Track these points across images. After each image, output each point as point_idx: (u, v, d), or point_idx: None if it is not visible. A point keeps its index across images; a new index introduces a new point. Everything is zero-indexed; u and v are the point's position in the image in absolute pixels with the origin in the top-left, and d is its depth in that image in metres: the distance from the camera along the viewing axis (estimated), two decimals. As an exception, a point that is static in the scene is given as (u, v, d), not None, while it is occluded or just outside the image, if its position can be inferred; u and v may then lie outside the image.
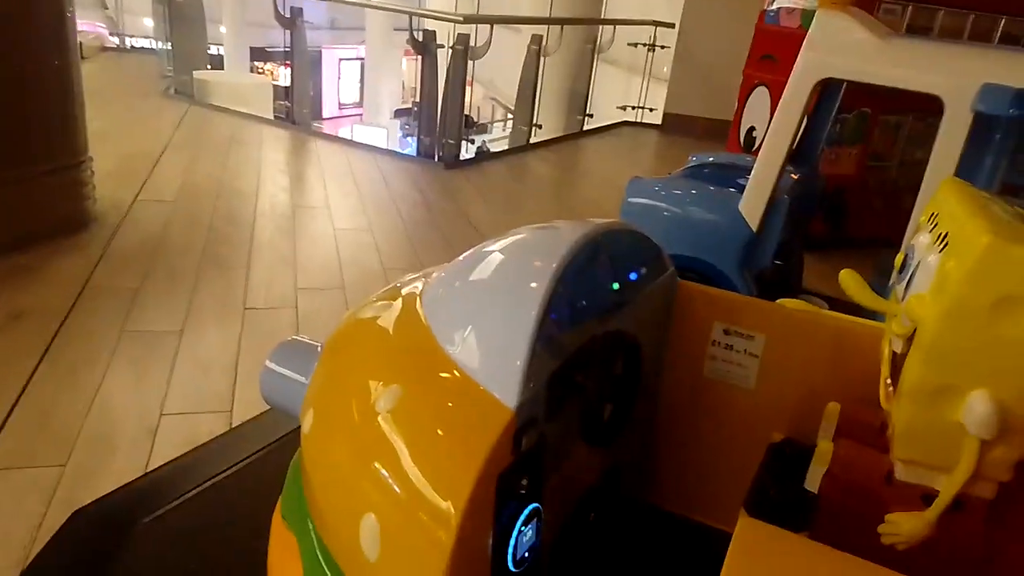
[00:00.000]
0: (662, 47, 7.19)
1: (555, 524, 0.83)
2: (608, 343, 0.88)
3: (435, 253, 3.32)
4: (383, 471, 0.67)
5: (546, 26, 6.29)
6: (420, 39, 5.24)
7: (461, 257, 0.84)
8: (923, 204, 1.73)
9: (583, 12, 7.46)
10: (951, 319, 0.62)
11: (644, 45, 7.30)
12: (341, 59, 13.88)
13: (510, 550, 0.67)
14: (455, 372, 0.70)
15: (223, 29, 10.41)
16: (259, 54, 11.78)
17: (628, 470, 1.07)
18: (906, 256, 0.78)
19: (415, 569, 0.64)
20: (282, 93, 6.79)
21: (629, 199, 2.25)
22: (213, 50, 8.91)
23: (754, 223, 2.03)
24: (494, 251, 0.82)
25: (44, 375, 2.02)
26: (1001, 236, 0.59)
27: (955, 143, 1.67)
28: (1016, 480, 0.66)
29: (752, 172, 2.03)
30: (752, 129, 4.05)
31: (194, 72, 6.65)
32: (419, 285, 0.85)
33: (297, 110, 5.95)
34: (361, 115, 13.11)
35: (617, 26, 7.23)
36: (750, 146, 3.99)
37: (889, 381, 0.74)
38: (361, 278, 2.92)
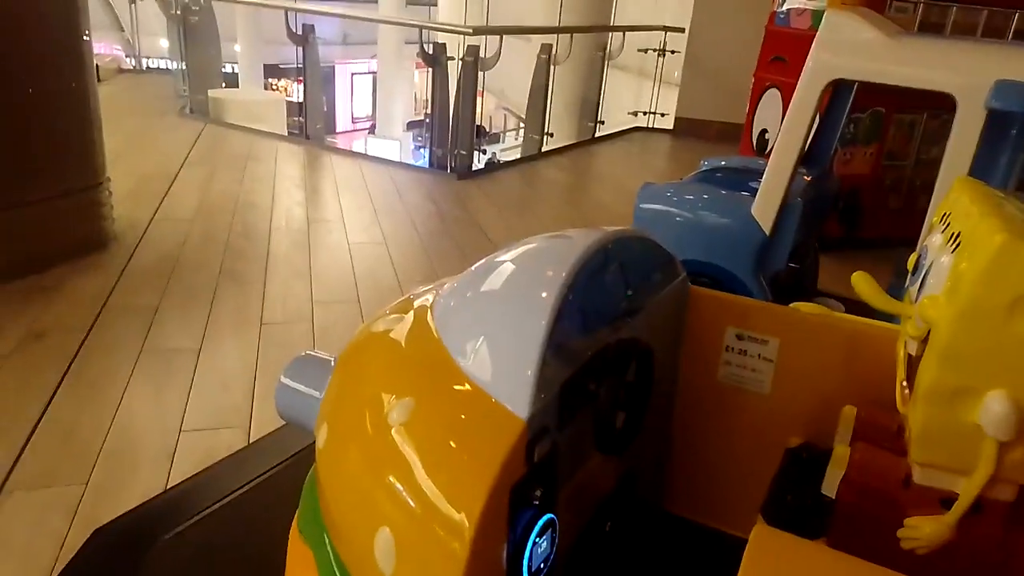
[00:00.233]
0: (672, 52, 7.18)
1: (570, 533, 0.83)
2: (621, 350, 0.88)
3: (449, 264, 3.33)
4: (396, 484, 0.67)
5: (555, 35, 6.31)
6: (430, 52, 5.28)
7: (472, 268, 0.84)
8: (937, 203, 1.72)
9: (592, 20, 7.47)
10: (966, 320, 0.61)
11: (654, 50, 7.30)
12: (353, 73, 14.01)
13: (525, 561, 0.67)
14: (467, 384, 0.70)
15: (237, 48, 10.54)
16: (273, 71, 11.92)
17: (643, 477, 1.06)
18: (919, 257, 0.77)
19: None
20: (296, 109, 6.85)
21: (641, 204, 2.25)
22: (228, 68, 9.04)
23: (767, 226, 2.02)
24: (504, 261, 0.82)
25: (65, 393, 2.04)
26: (1015, 235, 0.58)
27: (969, 141, 1.66)
28: None
29: (764, 175, 2.02)
30: (764, 131, 4.04)
31: (209, 91, 6.73)
32: (430, 297, 0.86)
33: (310, 125, 6.00)
34: (374, 128, 13.22)
35: (627, 32, 7.24)
36: (763, 149, 3.97)
37: (905, 384, 0.73)
38: (376, 291, 2.93)
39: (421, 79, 12.31)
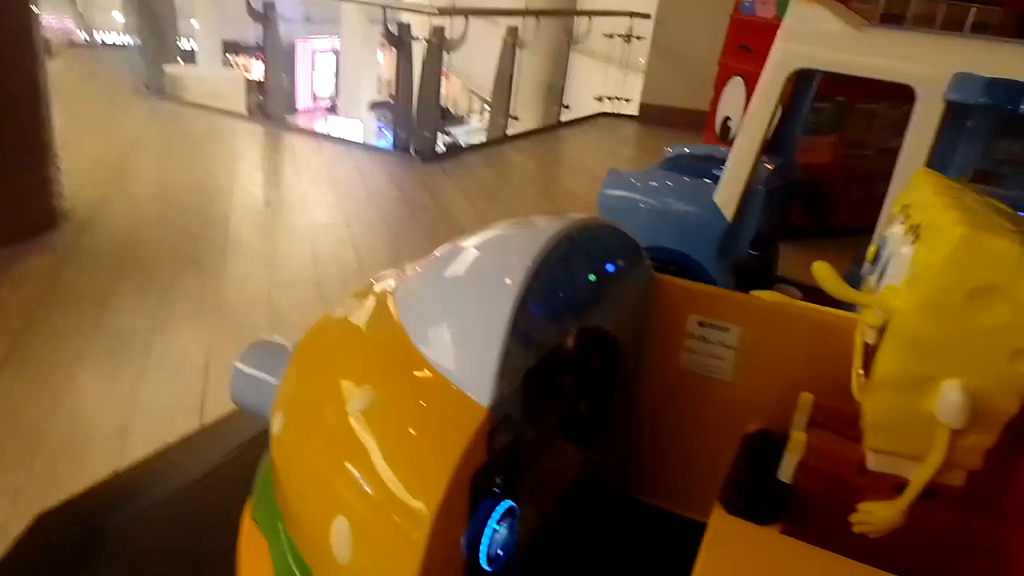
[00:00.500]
0: (638, 38, 7.19)
1: (533, 521, 0.82)
2: (585, 339, 0.87)
3: (413, 248, 3.29)
4: (354, 472, 0.66)
5: (522, 17, 6.26)
6: (395, 32, 5.19)
7: (435, 253, 0.83)
8: (895, 193, 1.74)
9: (558, 3, 7.43)
10: (925, 309, 0.61)
11: (621, 36, 7.29)
12: (315, 51, 13.74)
13: (484, 548, 0.66)
14: (428, 371, 0.69)
15: (195, 23, 10.25)
16: (232, 47, 11.63)
17: (607, 465, 1.07)
18: (879, 247, 0.77)
19: (388, 570, 0.63)
20: (256, 87, 6.70)
21: (606, 191, 2.25)
22: (186, 44, 8.78)
23: (729, 213, 2.03)
24: (468, 247, 0.81)
25: (10, 376, 1.97)
26: (975, 227, 0.59)
27: (927, 132, 1.69)
28: (989, 466, 0.66)
29: (727, 163, 2.03)
30: (728, 119, 4.07)
31: (165, 67, 6.54)
32: (393, 282, 0.84)
33: (271, 105, 5.87)
34: (334, 107, 13.02)
35: (593, 17, 7.21)
36: (726, 136, 4.00)
37: (861, 372, 0.74)
38: (338, 274, 2.89)
39: (386, 60, 12.15)
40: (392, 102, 5.87)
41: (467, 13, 5.50)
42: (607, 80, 7.63)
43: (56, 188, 3.06)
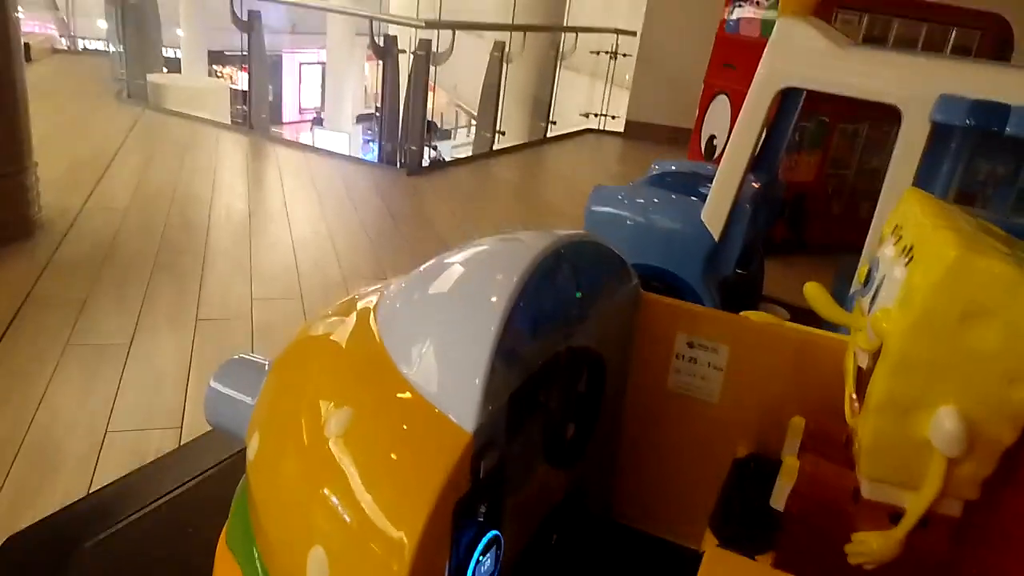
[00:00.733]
0: (624, 55, 7.24)
1: (515, 546, 0.80)
2: (572, 359, 0.85)
3: (397, 262, 3.27)
4: (332, 499, 0.63)
5: (509, 32, 6.29)
6: (382, 44, 5.18)
7: (419, 269, 0.81)
8: (883, 213, 1.75)
9: (546, 19, 7.48)
10: (918, 332, 0.60)
11: (607, 53, 7.34)
12: (302, 63, 13.74)
13: None
14: (410, 393, 0.67)
15: (180, 32, 10.21)
16: (218, 57, 11.59)
17: (592, 488, 1.04)
18: (870, 269, 0.76)
19: None
20: (240, 97, 6.66)
21: (592, 207, 2.24)
22: (170, 53, 8.73)
23: (716, 231, 2.03)
24: (453, 263, 0.79)
25: (-18, 391, 1.92)
26: (968, 248, 0.58)
27: (913, 152, 1.69)
28: (984, 494, 0.65)
29: (714, 181, 2.03)
30: (713, 137, 4.09)
31: (148, 75, 6.49)
32: (374, 299, 0.82)
33: (255, 114, 5.84)
34: (322, 119, 12.99)
35: (580, 33, 7.26)
36: (711, 154, 4.02)
37: (854, 396, 0.72)
38: (320, 288, 2.85)
39: (372, 72, 12.15)
40: (378, 115, 5.85)
41: (454, 27, 5.51)
42: (593, 96, 7.67)
43: (33, 196, 3.01)
